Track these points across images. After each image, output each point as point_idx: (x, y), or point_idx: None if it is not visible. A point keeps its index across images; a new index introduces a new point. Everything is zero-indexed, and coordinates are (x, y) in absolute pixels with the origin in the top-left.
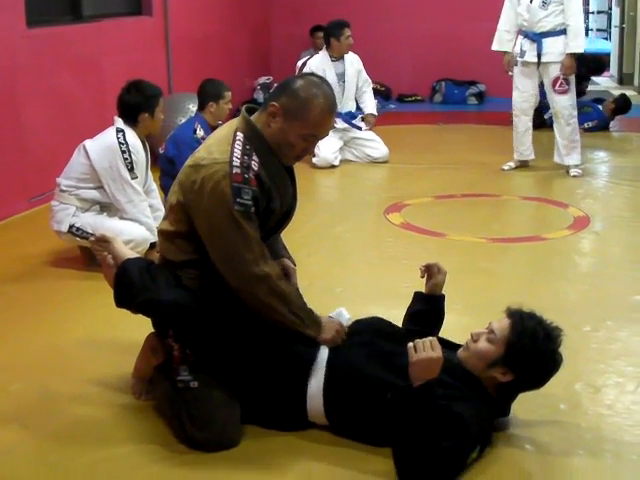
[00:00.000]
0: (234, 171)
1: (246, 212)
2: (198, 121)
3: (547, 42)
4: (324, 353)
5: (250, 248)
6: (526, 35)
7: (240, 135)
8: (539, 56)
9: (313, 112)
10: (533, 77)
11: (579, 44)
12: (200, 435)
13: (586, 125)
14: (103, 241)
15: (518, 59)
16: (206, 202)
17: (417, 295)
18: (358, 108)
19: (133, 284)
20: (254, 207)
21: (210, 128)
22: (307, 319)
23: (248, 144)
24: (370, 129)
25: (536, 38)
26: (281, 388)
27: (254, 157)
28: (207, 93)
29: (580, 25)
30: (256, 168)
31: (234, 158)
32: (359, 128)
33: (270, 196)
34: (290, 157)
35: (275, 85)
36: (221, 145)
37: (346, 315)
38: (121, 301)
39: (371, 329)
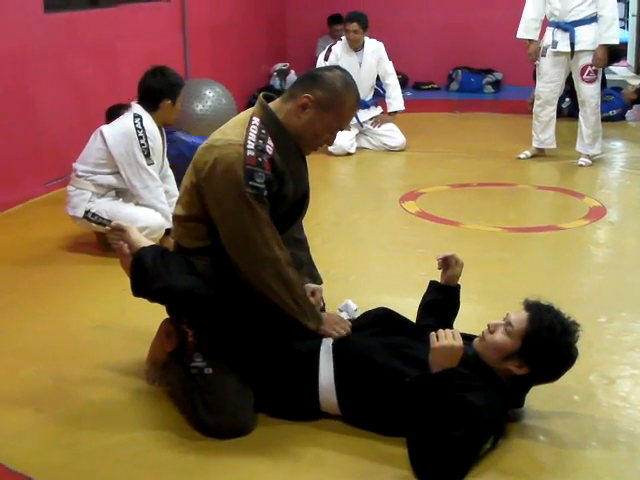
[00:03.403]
0: (248, 154)
1: (258, 195)
2: None
3: (580, 31)
4: (327, 342)
5: (260, 229)
6: (557, 25)
7: (256, 120)
8: (572, 45)
9: (346, 106)
10: (562, 67)
11: (613, 34)
12: (213, 420)
13: (610, 113)
14: (118, 230)
15: (551, 49)
16: (217, 182)
17: (432, 285)
18: (375, 96)
19: (147, 272)
20: (267, 191)
21: None
22: (308, 310)
23: (264, 128)
24: (378, 127)
25: (568, 27)
26: (292, 379)
27: (269, 141)
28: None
29: (614, 15)
30: (270, 152)
31: (249, 141)
32: (360, 124)
33: (282, 181)
34: (312, 147)
35: (302, 75)
36: (236, 128)
37: (353, 306)
38: (138, 290)
39: (380, 320)
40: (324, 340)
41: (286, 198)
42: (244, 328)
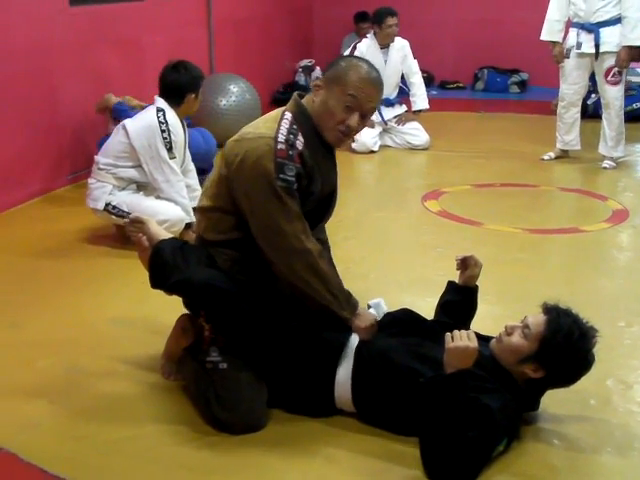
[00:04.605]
0: (279, 147)
1: (288, 188)
2: None
3: (605, 32)
4: (354, 341)
5: (290, 221)
6: (582, 26)
7: (288, 115)
8: (597, 47)
9: (352, 76)
10: (586, 69)
11: (637, 36)
12: (226, 415)
13: (634, 106)
14: (137, 222)
15: (575, 51)
16: (247, 174)
17: (450, 285)
18: (400, 94)
19: (166, 265)
20: (296, 184)
21: None
22: (343, 300)
23: (295, 124)
24: (402, 125)
25: (593, 28)
26: (309, 374)
27: (299, 137)
28: None
29: (638, 16)
30: (300, 147)
31: (280, 134)
32: (384, 122)
33: (311, 177)
34: (332, 131)
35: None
36: (268, 122)
37: (384, 307)
38: (156, 283)
39: (401, 321)
40: (352, 336)
41: (313, 195)
42: (262, 323)
